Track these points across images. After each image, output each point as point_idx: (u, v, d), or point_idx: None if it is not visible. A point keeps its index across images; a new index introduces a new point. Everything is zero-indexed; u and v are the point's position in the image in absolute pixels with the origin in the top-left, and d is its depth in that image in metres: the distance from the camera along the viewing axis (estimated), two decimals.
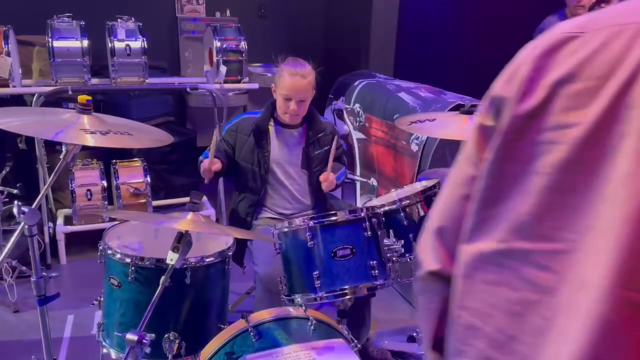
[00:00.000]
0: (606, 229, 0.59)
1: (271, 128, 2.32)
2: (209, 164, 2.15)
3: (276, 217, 2.36)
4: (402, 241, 1.84)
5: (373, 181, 3.43)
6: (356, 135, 3.52)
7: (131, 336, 1.38)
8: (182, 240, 1.49)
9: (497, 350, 0.69)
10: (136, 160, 3.48)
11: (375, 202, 2.04)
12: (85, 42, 3.12)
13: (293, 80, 2.17)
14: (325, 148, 2.38)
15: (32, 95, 3.09)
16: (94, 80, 3.27)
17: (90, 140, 1.51)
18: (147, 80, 3.33)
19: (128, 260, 1.71)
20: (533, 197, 0.65)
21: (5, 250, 1.57)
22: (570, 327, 0.60)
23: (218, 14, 4.67)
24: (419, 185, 2.10)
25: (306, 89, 2.20)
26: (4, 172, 3.10)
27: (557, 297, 0.62)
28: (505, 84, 0.69)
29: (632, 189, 0.57)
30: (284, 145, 2.33)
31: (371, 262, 1.75)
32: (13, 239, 1.54)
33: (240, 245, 2.29)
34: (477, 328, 0.71)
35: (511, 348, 0.67)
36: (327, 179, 2.25)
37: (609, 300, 0.57)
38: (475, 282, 0.71)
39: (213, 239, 2.03)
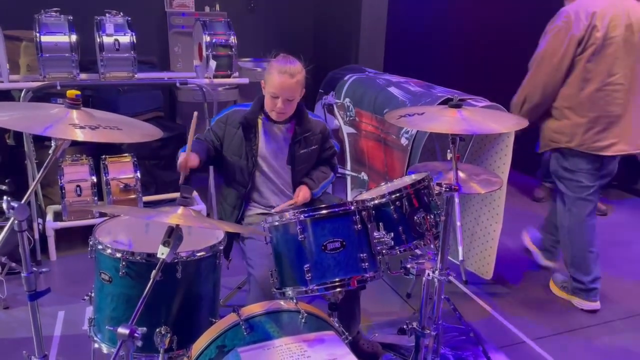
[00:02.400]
0: None
1: (260, 122, 2.33)
2: (185, 159, 2.03)
3: (265, 211, 2.37)
4: (392, 234, 1.85)
5: (363, 175, 3.44)
6: (346, 129, 3.52)
7: (123, 330, 1.38)
8: (173, 235, 1.49)
9: None
10: (126, 156, 3.47)
11: (365, 195, 2.05)
12: (74, 37, 3.10)
13: (281, 79, 2.16)
14: (313, 147, 2.38)
15: (20, 90, 3.07)
16: (83, 76, 3.25)
17: (80, 135, 1.50)
18: (136, 75, 3.32)
19: (119, 255, 1.71)
20: None
21: None
22: None
23: (207, 9, 4.66)
24: (408, 179, 2.11)
25: (294, 88, 2.19)
26: None
27: None
28: None
29: None
30: (272, 140, 2.34)
31: (361, 255, 1.76)
32: (2, 234, 1.53)
33: (229, 239, 2.29)
34: None
35: None
36: (300, 199, 2.31)
37: None
38: None
39: (204, 233, 2.03)
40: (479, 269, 3.17)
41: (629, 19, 2.58)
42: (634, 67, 2.61)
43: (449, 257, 3.03)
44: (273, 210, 2.33)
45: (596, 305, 2.91)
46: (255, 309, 1.67)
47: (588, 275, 2.87)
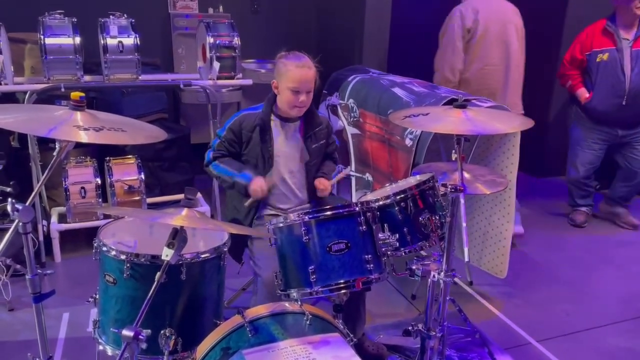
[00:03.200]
0: None
1: (272, 122, 2.32)
2: (261, 183, 2.18)
3: (275, 213, 2.35)
4: (397, 235, 1.84)
5: (368, 176, 3.43)
6: (351, 130, 3.52)
7: (127, 332, 1.37)
8: (177, 236, 1.49)
9: None
10: (130, 158, 3.47)
11: (369, 196, 2.04)
12: (78, 39, 3.10)
13: (301, 72, 2.17)
14: (322, 142, 2.38)
15: (24, 92, 3.07)
16: (87, 78, 3.26)
17: (84, 137, 1.50)
18: (140, 77, 3.32)
19: (123, 257, 1.71)
20: None
21: (0, 248, 1.56)
22: None
23: (211, 10, 4.66)
24: (413, 180, 2.11)
25: (313, 79, 2.22)
26: None
27: None
28: None
29: None
30: (285, 140, 2.33)
31: (366, 256, 1.75)
32: (7, 236, 1.53)
33: (240, 241, 2.28)
34: None
35: None
36: (326, 187, 2.31)
37: None
38: None
39: (208, 235, 2.03)
40: (492, 269, 3.15)
41: (503, 18, 3.43)
42: (507, 54, 3.45)
43: (457, 256, 3.01)
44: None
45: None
46: (259, 310, 1.66)
47: None
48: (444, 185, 1.85)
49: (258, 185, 2.19)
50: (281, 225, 1.79)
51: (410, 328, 2.01)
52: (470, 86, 3.43)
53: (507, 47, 3.43)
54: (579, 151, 4.01)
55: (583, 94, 3.85)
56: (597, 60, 3.73)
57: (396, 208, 1.89)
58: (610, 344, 2.66)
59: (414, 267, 1.93)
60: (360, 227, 1.77)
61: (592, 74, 3.79)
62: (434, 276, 1.93)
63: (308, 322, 1.63)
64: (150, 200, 3.59)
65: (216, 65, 3.40)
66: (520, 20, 3.52)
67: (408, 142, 2.90)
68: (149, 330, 1.41)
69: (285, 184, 2.35)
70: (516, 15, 3.51)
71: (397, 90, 3.15)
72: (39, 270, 1.60)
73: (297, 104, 2.22)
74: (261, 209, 2.36)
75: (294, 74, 2.17)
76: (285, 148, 2.33)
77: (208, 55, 3.45)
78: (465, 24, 3.37)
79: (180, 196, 1.64)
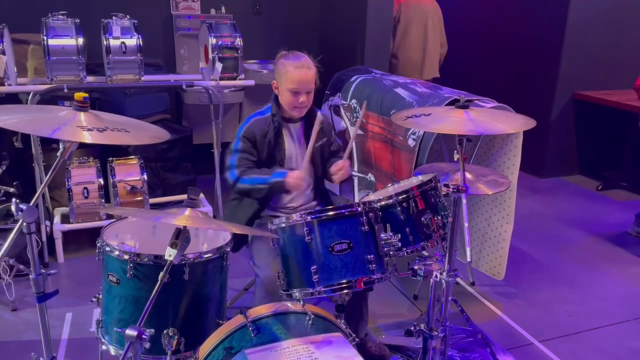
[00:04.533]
0: None
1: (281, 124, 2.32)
2: (300, 174, 2.15)
3: (274, 214, 2.35)
4: (399, 235, 1.84)
5: (371, 176, 3.43)
6: (353, 131, 3.52)
7: (130, 332, 1.38)
8: (180, 236, 1.49)
9: None
10: (133, 158, 3.48)
11: (372, 197, 2.04)
12: (81, 40, 3.11)
13: (300, 73, 2.17)
14: (324, 140, 2.38)
15: (28, 93, 3.08)
16: (90, 78, 3.27)
17: (88, 137, 1.50)
18: (142, 78, 3.33)
19: (126, 257, 1.72)
20: None
21: (3, 248, 1.57)
22: None
23: (213, 11, 4.67)
24: (415, 180, 2.11)
25: (312, 79, 2.21)
26: (0, 170, 3.11)
27: None
28: None
29: None
30: (292, 141, 2.33)
31: (368, 257, 1.76)
32: (11, 236, 1.54)
33: (240, 237, 2.27)
34: None
35: None
36: (343, 166, 2.28)
37: None
38: None
39: (211, 235, 2.04)
40: (490, 270, 3.15)
41: (421, 11, 4.58)
42: (425, 36, 4.62)
43: (458, 258, 3.01)
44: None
45: None
46: (262, 310, 1.67)
47: None
48: (446, 186, 1.85)
49: (295, 177, 2.16)
50: (284, 225, 1.79)
51: (412, 328, 2.01)
52: (401, 54, 4.63)
53: (424, 31, 4.60)
54: None
55: None
56: None
57: (398, 208, 1.89)
58: (612, 345, 2.66)
59: (416, 268, 1.93)
60: (363, 227, 1.77)
61: None
62: (436, 276, 1.93)
63: (310, 322, 1.64)
64: (152, 200, 3.59)
65: (218, 66, 3.41)
66: (438, 14, 4.70)
67: (411, 142, 2.90)
68: (152, 330, 1.42)
69: None
70: (434, 10, 4.67)
71: (399, 91, 3.15)
72: (42, 271, 1.61)
73: (298, 105, 2.22)
74: (268, 210, 2.35)
75: (292, 74, 2.17)
76: (292, 149, 2.32)
77: (210, 56, 3.46)
78: (394, 14, 4.54)
79: (183, 196, 1.65)
